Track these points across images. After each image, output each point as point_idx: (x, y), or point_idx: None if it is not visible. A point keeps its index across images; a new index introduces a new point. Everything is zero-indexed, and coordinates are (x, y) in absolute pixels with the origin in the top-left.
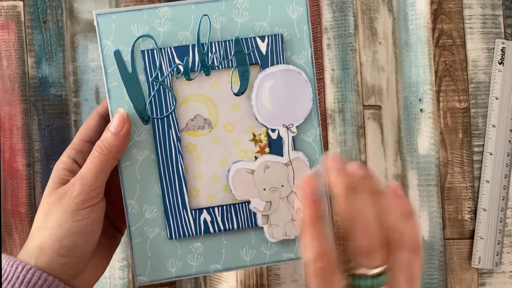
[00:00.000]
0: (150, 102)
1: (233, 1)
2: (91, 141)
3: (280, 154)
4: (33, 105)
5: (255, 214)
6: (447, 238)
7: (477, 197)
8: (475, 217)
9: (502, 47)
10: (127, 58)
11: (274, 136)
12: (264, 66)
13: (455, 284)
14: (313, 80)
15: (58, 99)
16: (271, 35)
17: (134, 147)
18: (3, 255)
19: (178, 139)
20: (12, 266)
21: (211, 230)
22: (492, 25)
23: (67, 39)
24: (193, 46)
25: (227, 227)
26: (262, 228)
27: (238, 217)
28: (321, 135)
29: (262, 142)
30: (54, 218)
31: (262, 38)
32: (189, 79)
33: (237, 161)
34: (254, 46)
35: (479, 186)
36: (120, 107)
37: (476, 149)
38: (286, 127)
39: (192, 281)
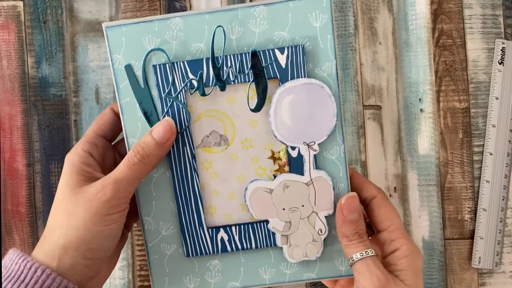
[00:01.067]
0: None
1: (250, 10)
2: (105, 136)
3: (301, 173)
4: (33, 105)
5: (273, 233)
6: (447, 238)
7: (477, 197)
8: (475, 217)
9: (502, 47)
10: (139, 72)
11: (294, 154)
12: (283, 80)
13: (455, 284)
14: (337, 94)
15: (58, 99)
16: (291, 46)
17: None
18: (17, 252)
19: (193, 156)
20: (30, 268)
21: (229, 248)
22: (492, 25)
23: (67, 39)
24: (207, 59)
25: (245, 246)
26: (281, 247)
27: (256, 236)
28: (345, 153)
29: (282, 160)
30: (81, 220)
31: (281, 49)
32: (203, 94)
33: (255, 180)
34: (273, 59)
35: (479, 186)
36: (134, 125)
37: (476, 149)
38: (307, 144)
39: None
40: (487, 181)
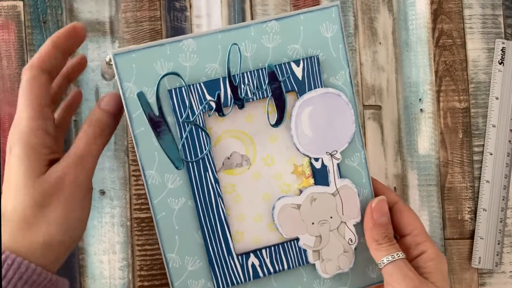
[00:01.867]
0: (183, 145)
1: (263, 25)
2: (50, 105)
3: (326, 183)
4: None
5: (305, 251)
6: (447, 238)
7: (477, 197)
8: (475, 217)
9: (502, 47)
10: (152, 99)
11: (318, 165)
12: (301, 92)
13: (455, 284)
14: (353, 101)
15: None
16: (306, 58)
17: (169, 195)
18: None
19: (216, 180)
20: (13, 264)
21: (261, 274)
22: (492, 25)
23: None
24: (224, 79)
25: (276, 268)
26: (313, 264)
27: (287, 257)
28: (366, 158)
29: (305, 173)
30: (57, 211)
31: (297, 62)
32: (222, 115)
33: (282, 197)
34: (289, 72)
35: (479, 186)
36: (150, 155)
37: (476, 149)
38: (330, 154)
39: None
40: (487, 181)
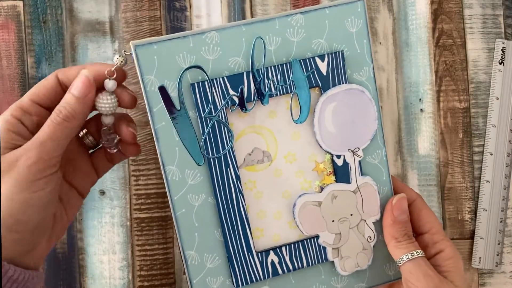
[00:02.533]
0: (205, 140)
1: (287, 19)
2: (42, 105)
3: (347, 181)
4: None
5: (324, 248)
6: None
7: (477, 197)
8: (475, 217)
9: (502, 47)
10: (174, 93)
11: (339, 162)
12: (325, 88)
13: None
14: (376, 98)
15: None
16: (331, 53)
17: (189, 191)
18: None
19: (238, 177)
20: None
21: (280, 271)
22: (493, 25)
23: (67, 39)
24: (247, 73)
25: (296, 266)
26: (332, 261)
27: (307, 254)
28: (387, 156)
29: (327, 170)
30: (5, 190)
31: (322, 57)
32: (246, 110)
33: (303, 194)
34: (314, 67)
35: (479, 186)
36: (171, 150)
37: (476, 149)
38: (352, 151)
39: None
40: (487, 181)
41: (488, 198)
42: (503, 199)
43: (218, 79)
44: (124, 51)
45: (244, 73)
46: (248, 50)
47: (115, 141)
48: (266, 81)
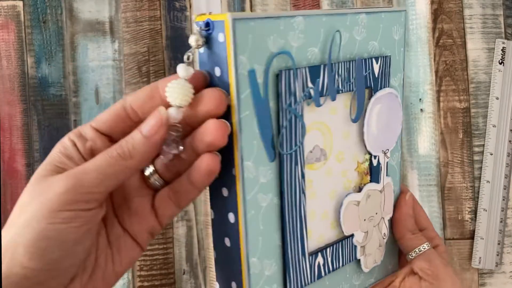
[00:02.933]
0: (282, 134)
1: (356, 16)
2: (101, 131)
3: (377, 181)
4: (33, 105)
5: (355, 247)
6: (448, 238)
7: (478, 197)
8: (476, 217)
9: (503, 47)
10: (260, 79)
11: (375, 162)
12: (375, 89)
13: None
14: (402, 103)
15: (58, 99)
16: (383, 57)
17: (260, 191)
18: None
19: (303, 176)
20: None
21: (323, 273)
22: (493, 25)
23: (66, 39)
24: (324, 66)
25: (335, 266)
26: (353, 260)
27: (343, 254)
28: (401, 158)
29: (365, 170)
30: (27, 214)
31: (377, 59)
32: (318, 105)
33: (348, 194)
34: (370, 68)
35: (479, 186)
36: (250, 143)
37: (476, 149)
38: (384, 152)
39: (192, 281)
40: (488, 181)
41: (488, 198)
42: (503, 199)
43: (301, 69)
44: (201, 28)
45: (322, 66)
46: (325, 42)
47: (174, 151)
48: (336, 76)
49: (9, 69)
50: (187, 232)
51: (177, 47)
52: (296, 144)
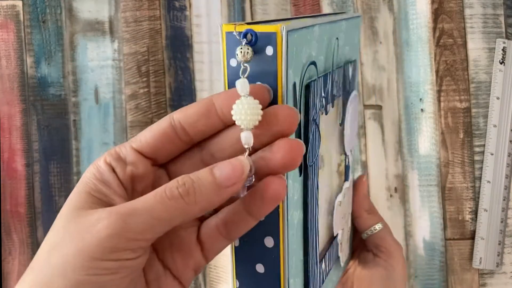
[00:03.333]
0: (309, 147)
1: (341, 23)
2: (144, 154)
3: (348, 179)
4: (32, 105)
5: (337, 245)
6: (448, 238)
7: (478, 198)
8: (476, 217)
9: (503, 47)
10: (297, 92)
11: (347, 162)
12: (350, 92)
13: (456, 285)
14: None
15: (57, 99)
16: (353, 61)
17: (294, 208)
18: None
19: (317, 186)
20: None
21: (324, 278)
22: (493, 25)
23: (66, 38)
24: (330, 73)
25: (329, 268)
26: (337, 258)
27: (333, 255)
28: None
29: (342, 171)
30: (61, 259)
31: (352, 63)
32: (327, 113)
33: (337, 195)
34: (347, 72)
35: (480, 186)
36: None
37: (477, 149)
38: (351, 151)
39: (192, 282)
40: (488, 181)
41: (489, 198)
42: (504, 199)
43: (321, 78)
44: (246, 43)
45: (329, 74)
46: (328, 49)
47: (247, 183)
48: (334, 83)
49: (8, 69)
50: None
51: (177, 47)
52: (316, 155)
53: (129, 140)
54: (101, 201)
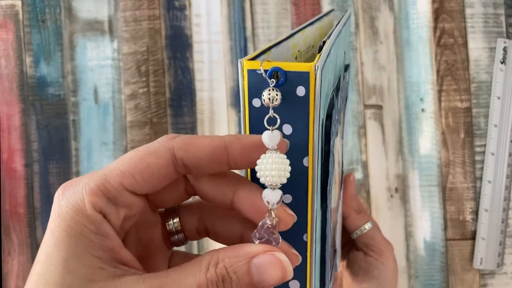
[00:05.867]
0: (330, 174)
1: (341, 32)
2: (136, 193)
3: (342, 179)
4: (32, 104)
5: (335, 252)
6: (449, 238)
7: (479, 198)
8: (477, 217)
9: (504, 46)
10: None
11: (342, 169)
12: (347, 96)
13: (456, 285)
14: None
15: (57, 98)
16: (348, 65)
17: (318, 219)
18: None
19: (330, 210)
20: None
21: (330, 279)
22: (494, 24)
23: (65, 38)
24: (338, 90)
25: (331, 275)
26: (336, 258)
27: (335, 262)
28: None
29: (339, 180)
30: None
31: (346, 67)
32: (337, 135)
33: (338, 206)
34: (347, 78)
35: (481, 187)
36: (317, 192)
37: (477, 149)
38: (342, 153)
39: None
40: (489, 182)
41: (489, 198)
42: (505, 200)
43: (335, 103)
44: (275, 80)
45: (339, 91)
46: (336, 66)
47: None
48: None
49: (7, 69)
50: None
51: (177, 47)
52: (331, 182)
53: (112, 168)
54: (107, 261)
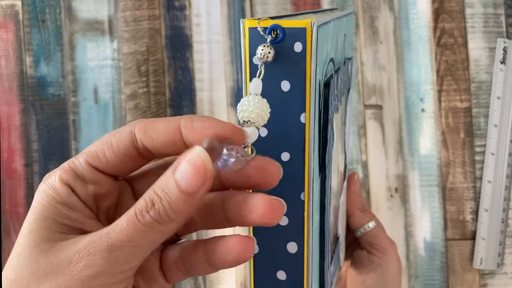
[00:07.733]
0: (328, 146)
1: (343, 19)
2: (103, 171)
3: (345, 178)
4: (32, 104)
5: (339, 245)
6: (449, 239)
7: (479, 198)
8: (477, 217)
9: (504, 46)
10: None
11: (345, 161)
12: (349, 89)
13: (456, 285)
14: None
15: (57, 98)
16: (350, 58)
17: (316, 212)
18: None
19: (330, 187)
20: None
21: (332, 280)
22: (494, 24)
23: (65, 38)
24: (339, 71)
25: (334, 270)
26: (339, 258)
27: (337, 255)
28: None
29: (342, 170)
30: None
31: (349, 60)
32: (337, 111)
33: (341, 195)
34: (349, 68)
35: (481, 187)
36: (315, 162)
37: (478, 149)
38: (346, 150)
39: (192, 281)
40: (489, 182)
41: (489, 198)
42: (505, 200)
43: (335, 75)
44: (271, 40)
45: (339, 71)
46: (335, 45)
47: (237, 158)
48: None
49: (7, 69)
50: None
51: (177, 46)
52: (330, 155)
53: (84, 150)
54: (70, 227)
